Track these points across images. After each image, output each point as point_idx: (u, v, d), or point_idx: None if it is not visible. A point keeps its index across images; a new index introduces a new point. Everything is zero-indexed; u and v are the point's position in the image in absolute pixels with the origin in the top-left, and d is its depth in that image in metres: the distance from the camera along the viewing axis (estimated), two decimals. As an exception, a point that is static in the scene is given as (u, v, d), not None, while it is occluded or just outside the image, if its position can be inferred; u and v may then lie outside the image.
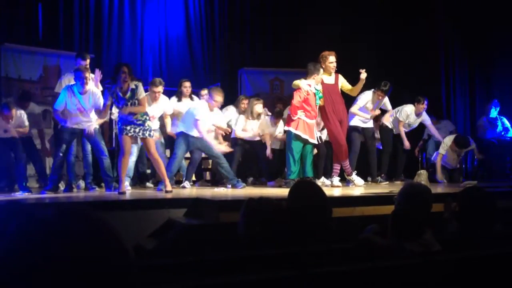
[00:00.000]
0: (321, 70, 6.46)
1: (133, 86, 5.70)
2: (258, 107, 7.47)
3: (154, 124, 6.73)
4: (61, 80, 6.83)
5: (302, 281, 1.84)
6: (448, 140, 8.13)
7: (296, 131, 6.36)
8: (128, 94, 5.67)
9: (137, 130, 5.71)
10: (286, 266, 1.95)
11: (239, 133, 7.51)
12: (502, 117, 9.20)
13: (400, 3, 10.42)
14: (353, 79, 6.76)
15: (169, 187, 5.89)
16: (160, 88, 6.85)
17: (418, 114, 8.14)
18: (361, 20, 10.33)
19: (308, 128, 6.42)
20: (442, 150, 8.12)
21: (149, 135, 5.82)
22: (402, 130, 8.11)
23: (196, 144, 6.64)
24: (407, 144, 8.10)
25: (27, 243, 0.81)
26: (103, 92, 6.33)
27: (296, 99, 6.37)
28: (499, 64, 10.26)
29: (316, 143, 6.65)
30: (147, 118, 5.86)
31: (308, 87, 6.36)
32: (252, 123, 7.54)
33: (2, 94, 7.43)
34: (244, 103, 7.83)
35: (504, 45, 9.94)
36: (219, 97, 6.62)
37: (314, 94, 6.44)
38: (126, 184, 6.24)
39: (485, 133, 9.23)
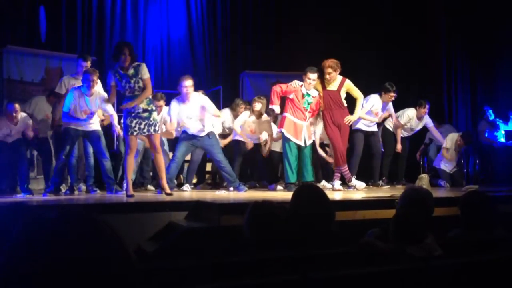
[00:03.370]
0: (312, 74, 6.36)
1: (135, 65, 5.45)
2: (255, 105, 7.28)
3: None
4: (61, 81, 6.80)
5: (303, 285, 1.84)
6: (452, 136, 8.17)
7: (283, 129, 6.38)
8: (131, 71, 5.40)
9: (142, 126, 5.48)
10: (288, 269, 1.94)
11: (236, 128, 7.31)
12: (502, 121, 9.21)
13: (401, 6, 10.43)
14: (353, 81, 6.74)
15: (167, 190, 5.80)
16: None
17: (420, 118, 8.11)
18: (362, 24, 10.34)
19: (294, 128, 6.38)
20: (447, 144, 8.21)
21: (154, 130, 5.57)
22: (399, 133, 8.12)
23: (198, 143, 6.59)
24: (399, 147, 8.08)
25: (32, 244, 0.82)
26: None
27: (281, 87, 6.46)
28: (502, 68, 10.26)
29: (303, 145, 6.44)
30: (153, 108, 5.61)
31: (299, 87, 6.38)
32: (253, 122, 7.42)
33: (4, 96, 7.44)
34: (242, 108, 7.65)
35: (507, 49, 9.94)
36: (188, 81, 6.26)
37: (303, 95, 6.43)
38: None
39: (485, 137, 9.24)
